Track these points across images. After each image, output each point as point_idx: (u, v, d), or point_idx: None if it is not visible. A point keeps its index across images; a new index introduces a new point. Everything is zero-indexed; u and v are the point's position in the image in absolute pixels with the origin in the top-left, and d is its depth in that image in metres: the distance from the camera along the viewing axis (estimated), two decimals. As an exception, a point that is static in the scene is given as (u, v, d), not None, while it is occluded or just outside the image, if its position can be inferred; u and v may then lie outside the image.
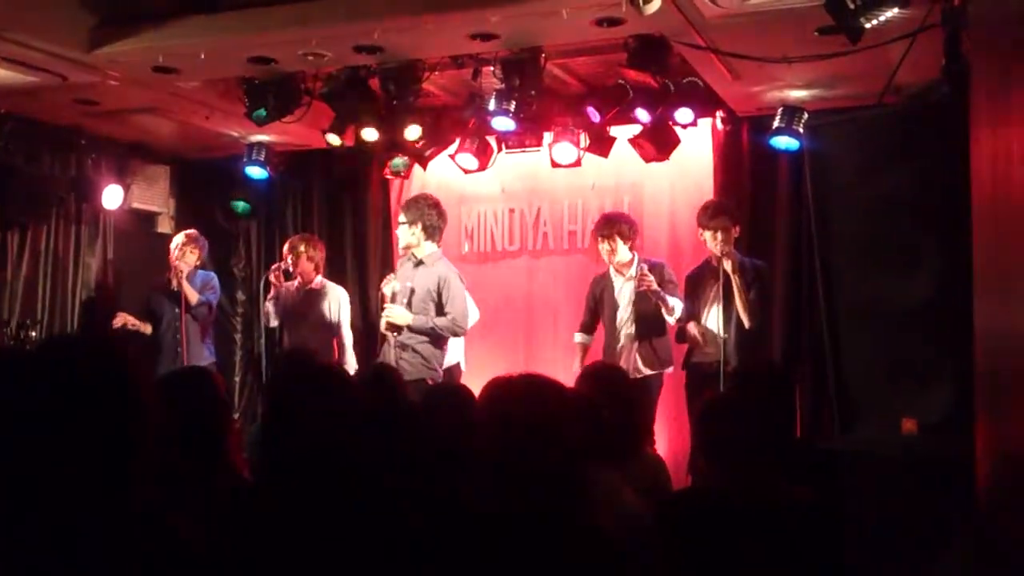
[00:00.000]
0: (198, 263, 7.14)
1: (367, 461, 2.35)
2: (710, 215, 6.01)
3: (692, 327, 5.99)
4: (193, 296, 6.95)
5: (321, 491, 2.25)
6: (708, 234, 5.97)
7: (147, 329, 7.01)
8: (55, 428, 1.77)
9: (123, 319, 6.95)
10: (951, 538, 3.19)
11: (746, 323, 5.85)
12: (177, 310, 6.93)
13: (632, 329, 6.21)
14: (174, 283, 6.92)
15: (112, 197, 7.46)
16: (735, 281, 5.83)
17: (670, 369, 6.27)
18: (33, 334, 7.05)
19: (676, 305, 6.07)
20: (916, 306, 3.72)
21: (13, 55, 5.24)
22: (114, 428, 1.81)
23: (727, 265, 5.83)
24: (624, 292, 6.28)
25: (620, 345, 6.25)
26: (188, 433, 2.82)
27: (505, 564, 2.11)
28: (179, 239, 7.09)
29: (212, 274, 7.38)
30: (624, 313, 6.25)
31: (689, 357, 6.13)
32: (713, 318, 5.97)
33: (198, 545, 1.91)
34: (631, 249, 6.29)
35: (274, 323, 7.02)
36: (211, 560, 1.98)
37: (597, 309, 6.43)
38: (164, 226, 8.17)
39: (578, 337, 6.54)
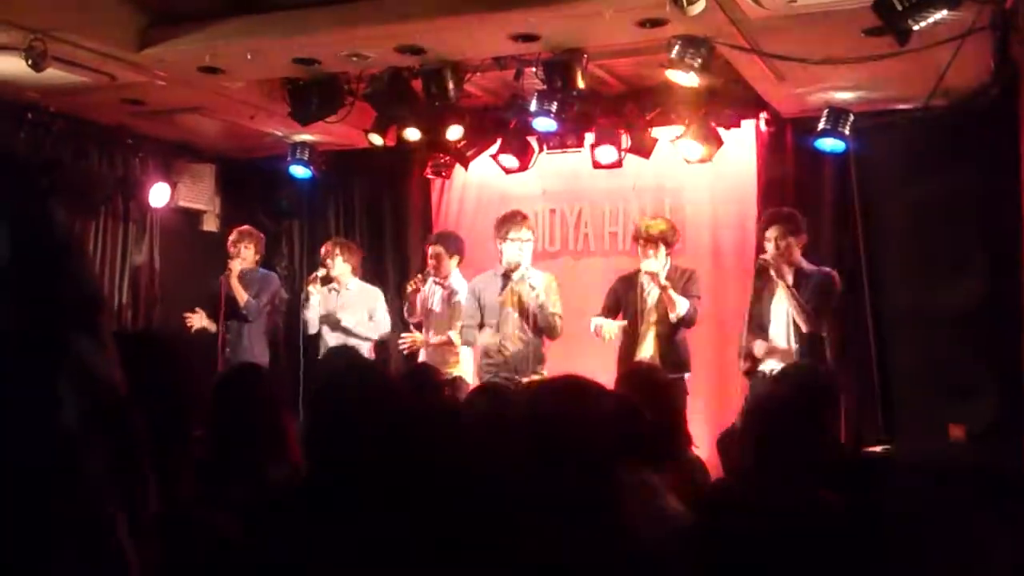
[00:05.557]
0: (257, 258, 7.12)
1: (409, 457, 2.36)
2: (762, 225, 5.86)
3: (758, 348, 5.74)
4: (242, 297, 6.92)
5: (364, 487, 2.26)
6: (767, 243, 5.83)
7: (212, 327, 6.92)
8: (92, 421, 1.79)
9: (197, 319, 6.90)
10: (994, 551, 3.14)
11: (803, 327, 5.56)
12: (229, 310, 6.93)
13: (653, 332, 6.09)
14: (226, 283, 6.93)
15: (159, 195, 7.55)
16: (785, 291, 5.59)
17: (688, 374, 6.09)
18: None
19: (680, 304, 5.93)
20: (964, 311, 3.68)
21: (64, 55, 5.31)
22: (154, 423, 1.83)
23: (773, 273, 5.62)
24: (653, 295, 6.13)
25: (641, 348, 6.11)
26: (240, 430, 2.84)
27: (537, 560, 2.11)
28: (232, 236, 7.09)
29: (271, 273, 7.34)
30: (651, 316, 6.11)
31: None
32: (779, 324, 5.74)
33: (236, 541, 1.93)
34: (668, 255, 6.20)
35: (312, 330, 6.98)
36: (250, 556, 2.00)
37: (617, 308, 6.27)
38: (210, 224, 8.26)
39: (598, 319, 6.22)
